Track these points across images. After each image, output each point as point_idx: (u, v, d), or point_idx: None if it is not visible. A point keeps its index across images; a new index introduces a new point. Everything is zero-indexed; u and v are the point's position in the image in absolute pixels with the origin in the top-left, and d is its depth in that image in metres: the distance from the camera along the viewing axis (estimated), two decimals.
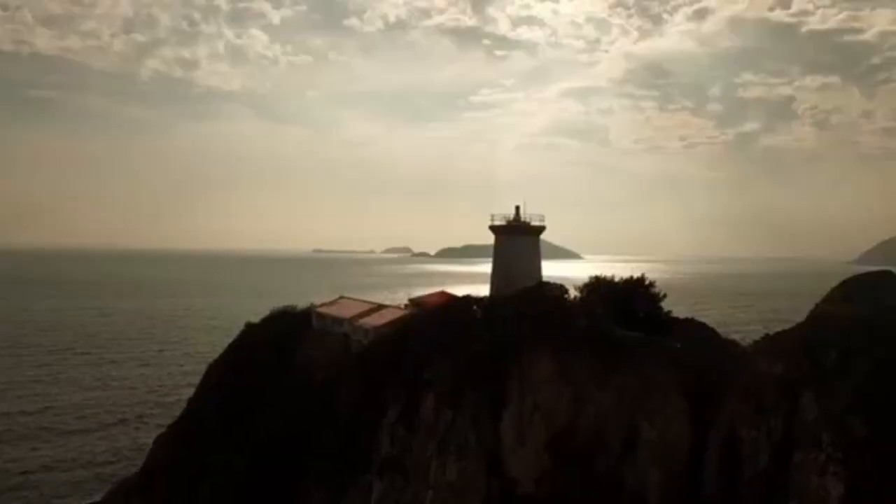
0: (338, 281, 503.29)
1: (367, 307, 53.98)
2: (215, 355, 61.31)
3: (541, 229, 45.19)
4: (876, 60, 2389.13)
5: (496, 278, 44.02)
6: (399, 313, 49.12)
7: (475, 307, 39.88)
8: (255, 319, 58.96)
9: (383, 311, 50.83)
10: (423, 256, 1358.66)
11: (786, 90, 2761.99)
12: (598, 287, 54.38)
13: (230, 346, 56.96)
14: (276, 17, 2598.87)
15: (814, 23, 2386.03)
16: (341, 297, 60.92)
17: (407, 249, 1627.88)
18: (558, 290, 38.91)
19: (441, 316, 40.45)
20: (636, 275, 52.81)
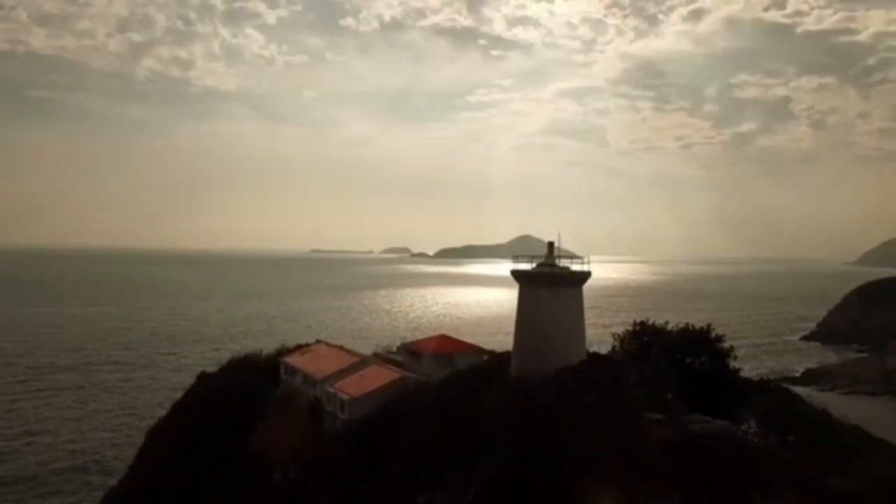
0: (334, 282, 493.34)
1: (346, 361, 41.81)
2: (197, 374, 50.12)
3: (585, 277, 32.44)
4: (871, 61, 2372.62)
5: (521, 349, 30.62)
6: (386, 376, 37.00)
7: (496, 389, 27.36)
8: (245, 323, 48.33)
9: (366, 372, 38.63)
10: (422, 257, 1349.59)
11: (782, 91, 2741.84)
12: (643, 335, 42.59)
13: (176, 406, 44.81)
14: (271, 16, 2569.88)
15: (809, 23, 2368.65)
16: (318, 342, 48.89)
17: (406, 250, 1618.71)
18: (618, 371, 26.50)
19: (444, 399, 28.15)
20: (698, 323, 41.01)
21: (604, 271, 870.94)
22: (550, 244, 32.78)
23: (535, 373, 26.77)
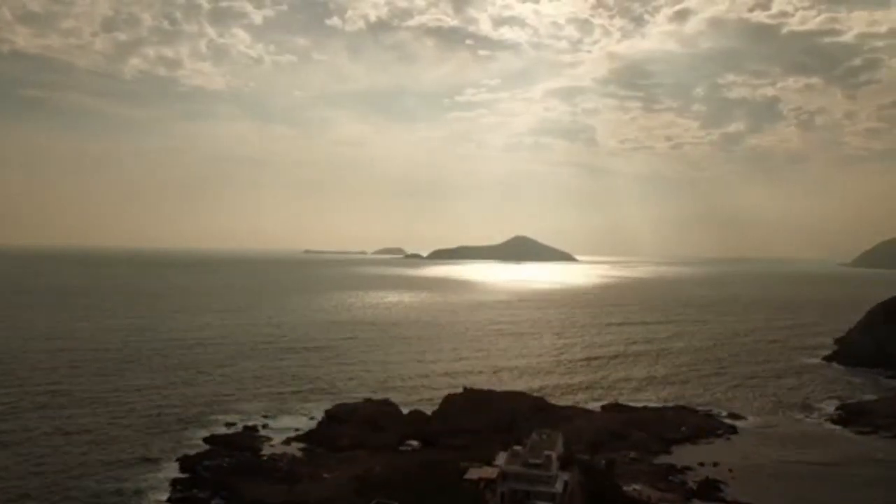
0: (327, 284, 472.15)
1: None
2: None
3: None
4: (856, 62, 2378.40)
5: None
6: None
7: None
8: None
9: None
10: (416, 258, 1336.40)
11: (769, 91, 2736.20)
12: None
13: None
14: (257, 16, 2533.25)
15: (793, 24, 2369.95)
16: None
17: (399, 250, 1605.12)
18: None
19: None
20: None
21: (599, 272, 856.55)
22: None
23: None
